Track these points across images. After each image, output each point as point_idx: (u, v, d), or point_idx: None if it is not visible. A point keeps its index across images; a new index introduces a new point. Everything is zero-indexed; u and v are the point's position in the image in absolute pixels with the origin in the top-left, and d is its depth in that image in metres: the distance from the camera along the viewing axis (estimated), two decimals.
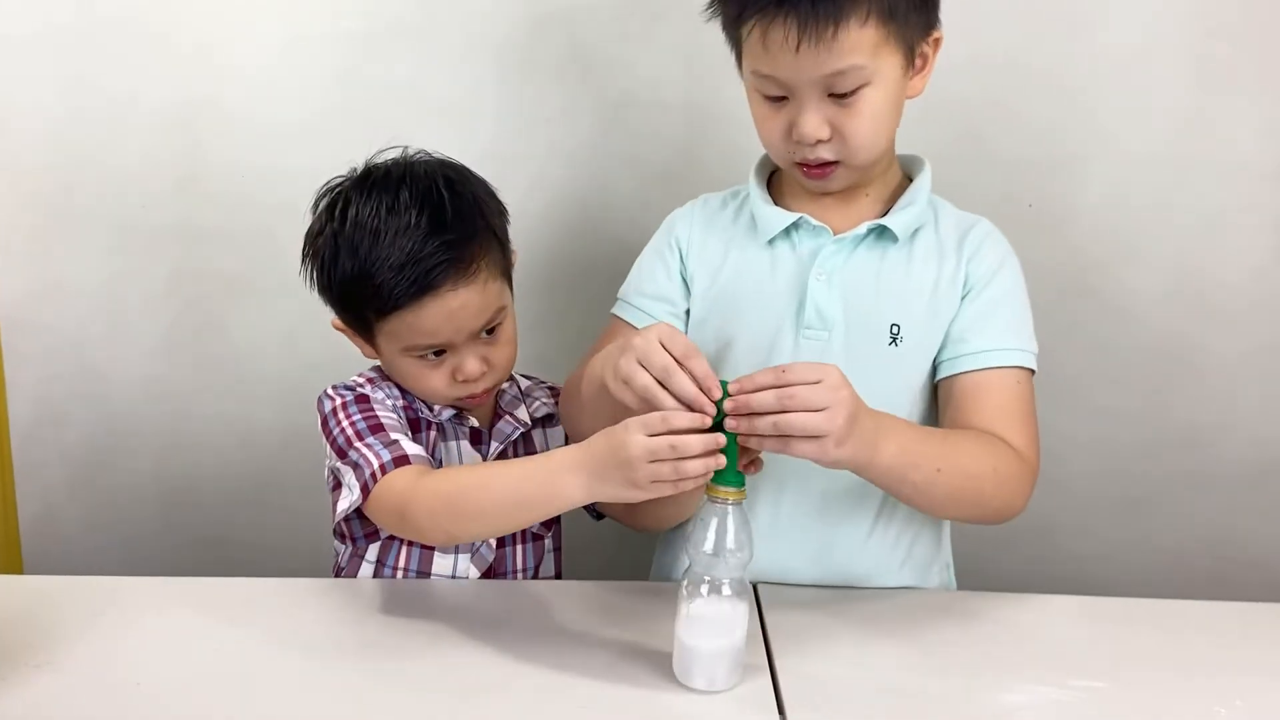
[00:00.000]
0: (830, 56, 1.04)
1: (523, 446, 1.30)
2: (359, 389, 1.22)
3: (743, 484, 0.94)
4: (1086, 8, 1.53)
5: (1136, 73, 1.54)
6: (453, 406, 1.24)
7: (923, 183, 1.19)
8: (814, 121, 1.08)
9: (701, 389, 0.93)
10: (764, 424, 0.92)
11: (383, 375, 1.25)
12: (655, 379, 0.93)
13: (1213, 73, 1.54)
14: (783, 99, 1.10)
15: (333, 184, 1.21)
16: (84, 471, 1.74)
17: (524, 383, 1.35)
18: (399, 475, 1.09)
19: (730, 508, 0.93)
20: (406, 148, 1.22)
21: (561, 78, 1.59)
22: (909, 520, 1.21)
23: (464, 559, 1.23)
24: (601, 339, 1.25)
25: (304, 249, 1.20)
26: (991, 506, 1.11)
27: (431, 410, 1.24)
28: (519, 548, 1.27)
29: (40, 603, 1.11)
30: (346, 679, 0.99)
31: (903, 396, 1.16)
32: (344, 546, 1.27)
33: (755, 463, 1.00)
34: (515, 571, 1.27)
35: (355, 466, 1.12)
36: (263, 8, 1.57)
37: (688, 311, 1.24)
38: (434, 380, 1.19)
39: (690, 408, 0.92)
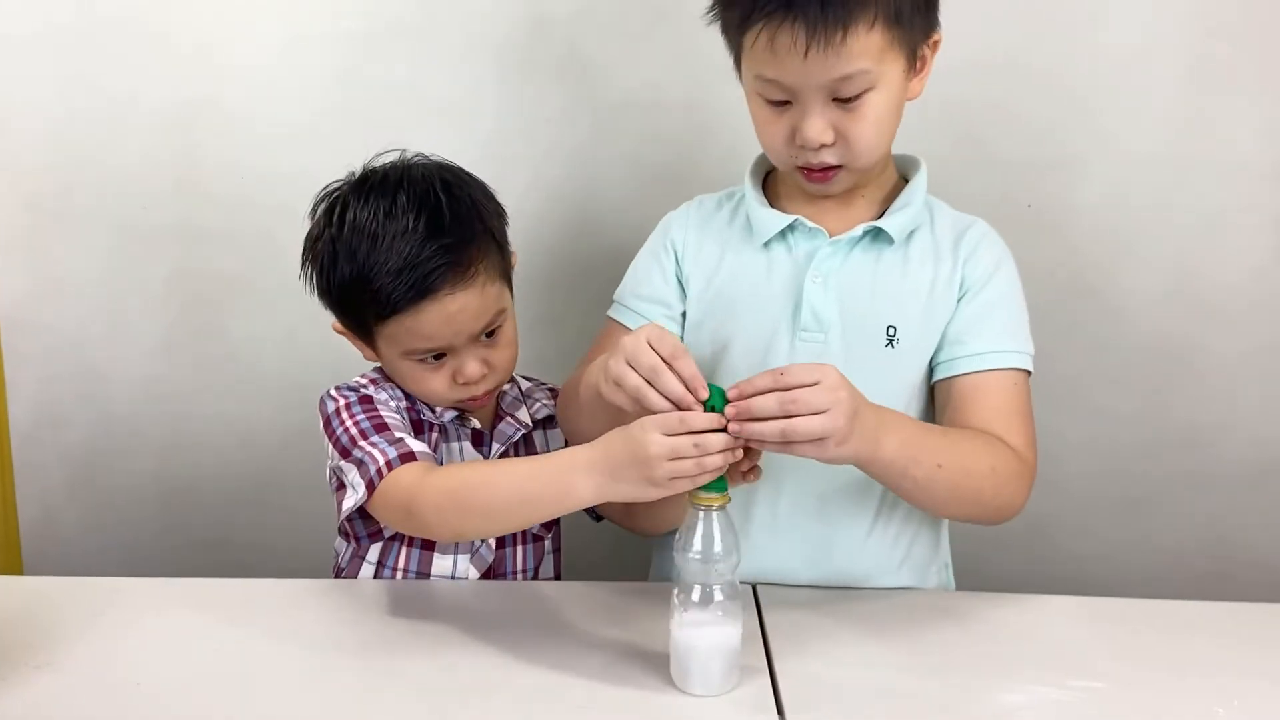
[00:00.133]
0: (838, 61, 1.03)
1: (524, 448, 1.31)
2: (362, 390, 1.22)
3: (725, 488, 0.94)
4: (1085, 8, 1.53)
5: (1136, 73, 1.54)
6: (454, 408, 1.24)
7: (918, 184, 1.19)
8: (818, 126, 1.08)
9: (688, 389, 0.93)
10: (770, 431, 0.92)
11: (385, 376, 1.25)
12: (644, 379, 0.94)
13: (1212, 73, 1.54)
14: (785, 103, 1.09)
15: (331, 188, 1.21)
16: (84, 472, 1.74)
17: (524, 384, 1.35)
18: (405, 471, 1.09)
19: (715, 513, 0.93)
20: (404, 151, 1.22)
21: (561, 78, 1.59)
22: (907, 520, 1.21)
23: (463, 559, 1.23)
24: (597, 341, 1.25)
25: (303, 253, 1.21)
26: (991, 505, 1.11)
27: (433, 412, 1.24)
28: (519, 549, 1.27)
29: (40, 603, 1.11)
30: (346, 679, 0.99)
31: (899, 398, 1.15)
32: (346, 546, 1.27)
33: (754, 471, 1.01)
34: (515, 573, 1.27)
35: (360, 464, 1.12)
36: (262, 8, 1.58)
37: (684, 314, 1.24)
38: (434, 383, 1.19)
39: (677, 407, 0.93)
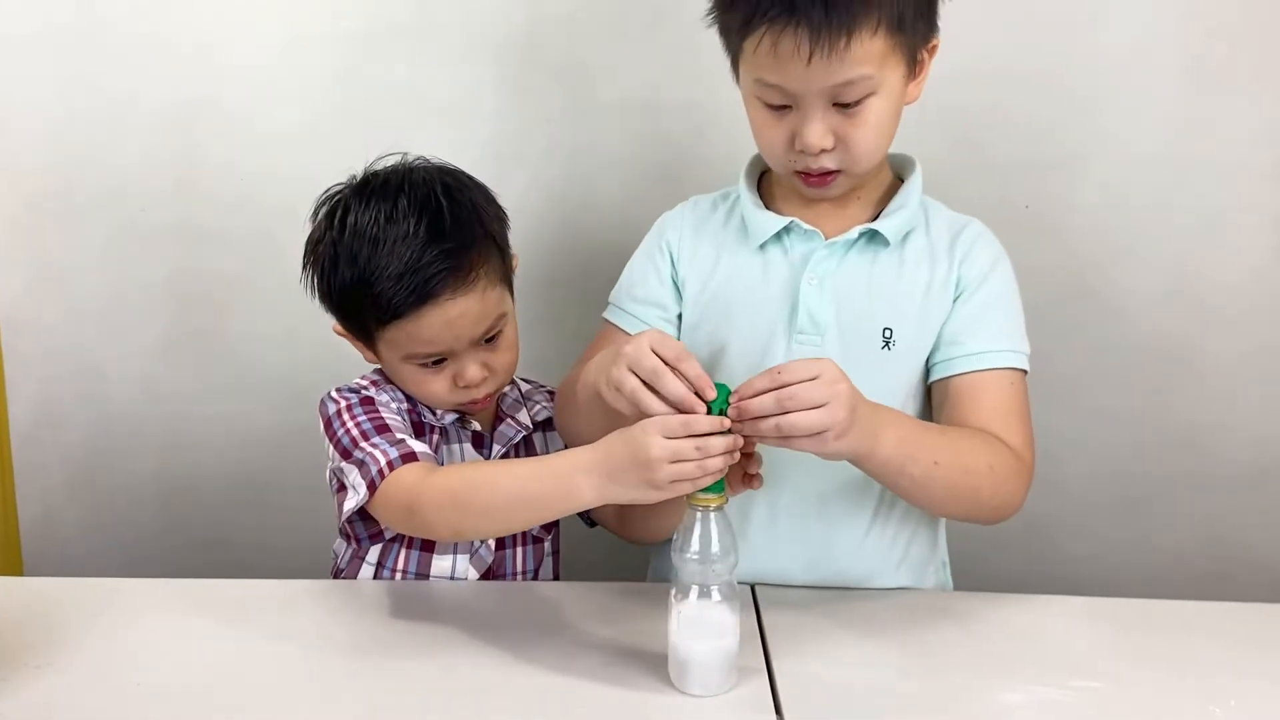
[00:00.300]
0: (841, 67, 1.03)
1: (524, 450, 1.31)
2: (363, 391, 1.22)
3: (722, 489, 0.94)
4: (1084, 9, 1.53)
5: (1134, 74, 1.55)
6: (454, 411, 1.24)
7: (914, 184, 1.19)
8: (818, 131, 1.07)
9: (696, 389, 0.93)
10: (766, 426, 0.93)
11: (385, 378, 1.25)
12: (644, 383, 0.94)
13: (1210, 73, 1.54)
14: (785, 107, 1.09)
15: (332, 191, 1.21)
16: (83, 472, 1.74)
17: (524, 386, 1.35)
18: (407, 471, 1.09)
19: (712, 514, 0.94)
20: (406, 154, 1.22)
21: (560, 79, 1.59)
22: (905, 520, 1.21)
23: (463, 560, 1.23)
24: (593, 343, 1.25)
25: (304, 256, 1.21)
26: (989, 504, 1.11)
27: (434, 414, 1.24)
28: (519, 550, 1.27)
29: (40, 604, 1.11)
30: (345, 679, 0.99)
31: (896, 400, 1.15)
32: (346, 547, 1.27)
33: (756, 478, 1.01)
34: (514, 574, 1.27)
35: (361, 465, 1.12)
36: (262, 9, 1.58)
37: (679, 316, 1.24)
38: (435, 386, 1.19)
39: (678, 409, 0.93)
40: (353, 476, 1.13)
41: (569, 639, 1.06)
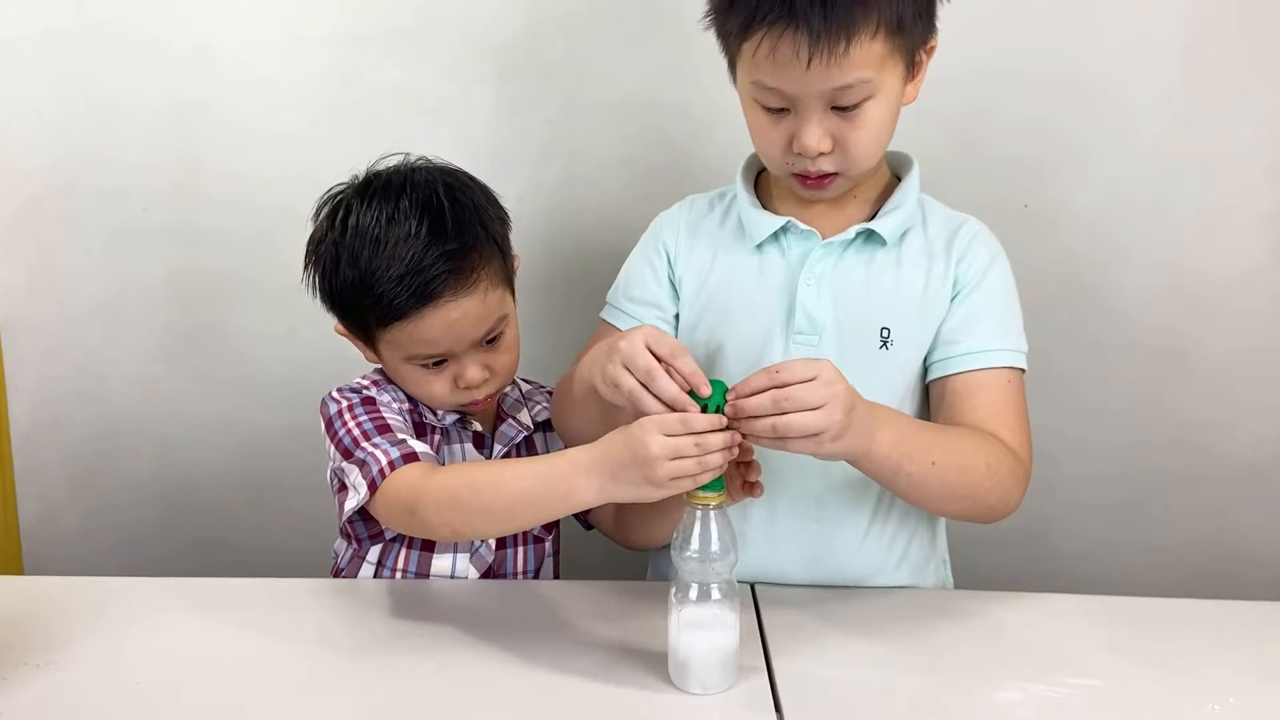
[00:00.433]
0: (840, 71, 1.03)
1: (525, 450, 1.31)
2: (364, 391, 1.22)
3: (722, 487, 0.94)
4: (1080, 8, 1.53)
5: (1132, 72, 1.55)
6: (455, 412, 1.25)
7: (911, 183, 1.19)
8: (816, 134, 1.07)
9: (690, 386, 0.93)
10: (762, 427, 0.93)
11: (386, 378, 1.25)
12: (639, 382, 0.94)
13: (1208, 72, 1.54)
14: (783, 110, 1.09)
15: (335, 191, 1.21)
16: (83, 472, 1.74)
17: (525, 386, 1.35)
18: (407, 471, 1.09)
19: (712, 512, 0.94)
20: (408, 154, 1.22)
21: (559, 79, 1.59)
22: (904, 520, 1.21)
23: (463, 559, 1.24)
24: (590, 344, 1.25)
25: (306, 256, 1.21)
26: (986, 502, 1.10)
27: (435, 415, 1.24)
28: (520, 550, 1.28)
29: (40, 602, 1.11)
30: (345, 678, 0.99)
31: (894, 399, 1.15)
32: (346, 547, 1.27)
33: (756, 486, 1.02)
34: (515, 574, 1.27)
35: (362, 465, 1.12)
36: (262, 11, 1.58)
37: (676, 316, 1.24)
38: (436, 387, 1.20)
39: (672, 408, 0.93)
40: (353, 476, 1.13)
41: (569, 638, 1.06)
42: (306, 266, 1.21)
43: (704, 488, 0.93)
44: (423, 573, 1.23)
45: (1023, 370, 1.17)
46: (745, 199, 1.21)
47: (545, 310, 1.62)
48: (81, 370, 1.70)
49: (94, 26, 1.58)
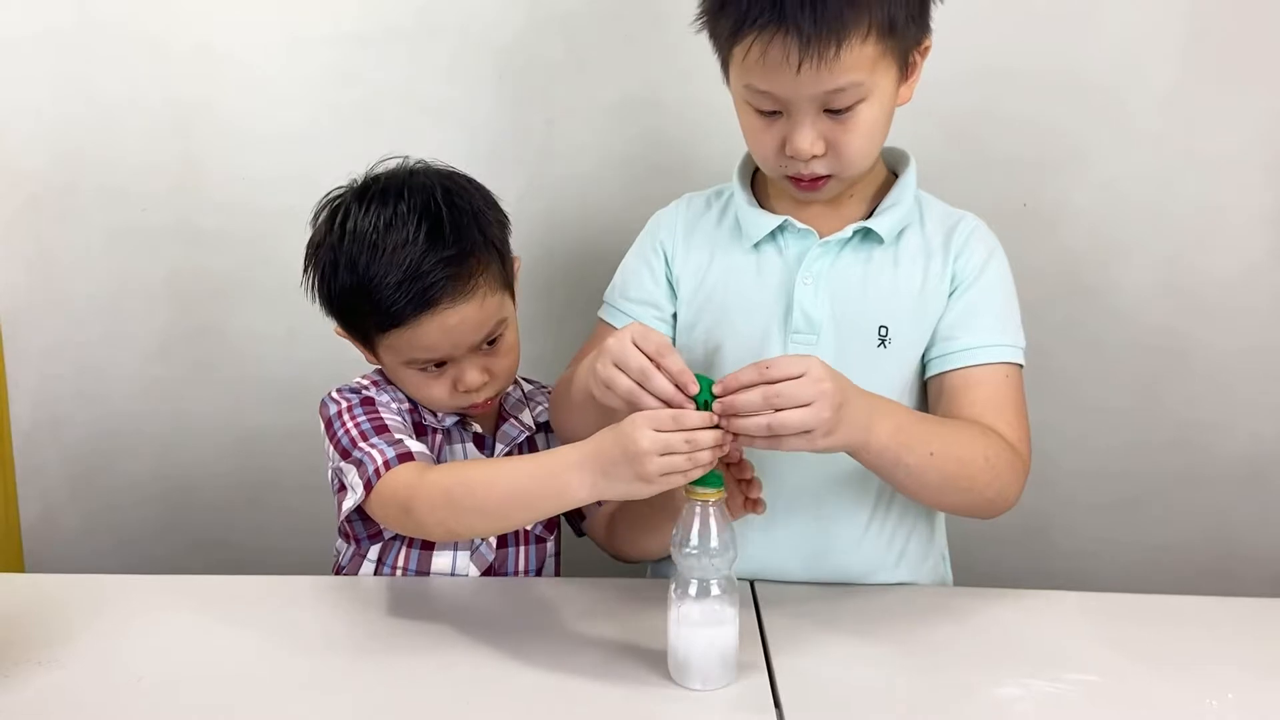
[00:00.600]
0: (831, 74, 1.02)
1: (527, 450, 1.30)
2: (364, 391, 1.22)
3: (721, 483, 0.95)
4: (1080, 7, 1.54)
5: (1130, 71, 1.55)
6: (456, 414, 1.25)
7: (908, 180, 1.19)
8: (809, 137, 1.07)
9: (677, 384, 0.93)
10: (753, 425, 0.93)
11: (386, 379, 1.25)
12: (635, 382, 0.94)
13: (1206, 71, 1.54)
14: (775, 113, 1.08)
15: (333, 195, 1.21)
16: (84, 471, 1.74)
17: (527, 386, 1.35)
18: (403, 470, 1.09)
19: (711, 507, 0.94)
20: (407, 157, 1.22)
21: (559, 79, 1.59)
22: (903, 517, 1.21)
23: (463, 556, 1.24)
24: (588, 343, 1.25)
25: (305, 260, 1.21)
26: (984, 495, 1.10)
27: (435, 416, 1.25)
28: (521, 549, 1.28)
29: (42, 600, 1.12)
30: (345, 675, 0.99)
31: (892, 397, 1.13)
32: (348, 546, 1.27)
33: (759, 503, 1.02)
34: (517, 574, 1.27)
35: (359, 464, 1.12)
36: (262, 11, 1.58)
37: (674, 315, 1.24)
38: (435, 390, 1.20)
39: (668, 406, 0.93)
40: (351, 476, 1.13)
41: (568, 635, 1.07)
42: (306, 270, 1.21)
43: (703, 483, 0.93)
44: (423, 570, 1.23)
45: (1021, 365, 1.17)
46: (742, 198, 1.21)
47: (545, 310, 1.62)
48: (82, 370, 1.70)
49: (94, 26, 1.59)
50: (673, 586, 0.96)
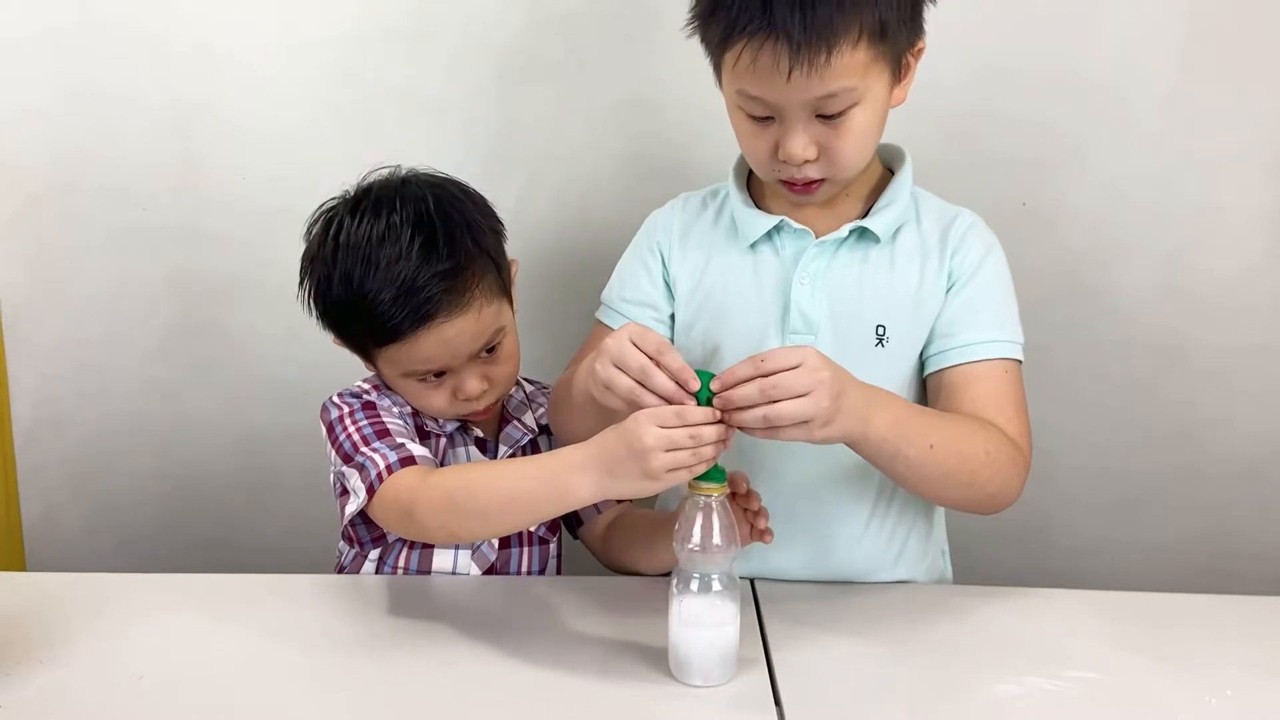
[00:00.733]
0: (821, 81, 1.01)
1: (530, 453, 1.30)
2: (365, 396, 1.22)
3: (724, 478, 0.95)
4: (1079, 7, 1.54)
5: (1130, 71, 1.55)
6: (457, 420, 1.25)
7: (903, 178, 1.19)
8: (801, 143, 1.06)
9: (678, 382, 0.93)
10: (752, 417, 0.93)
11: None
12: (635, 381, 0.94)
13: (1205, 70, 1.54)
14: (768, 118, 1.08)
15: (326, 207, 1.20)
16: (85, 471, 1.75)
17: (528, 388, 1.35)
18: (405, 474, 1.09)
19: (714, 503, 0.94)
20: (398, 166, 1.21)
21: (559, 79, 1.59)
22: (903, 515, 1.21)
23: (464, 556, 1.24)
24: (585, 344, 1.25)
25: (300, 273, 1.20)
26: (986, 490, 1.09)
27: (437, 422, 1.24)
28: (525, 550, 1.27)
29: (43, 598, 1.12)
30: (346, 673, 0.99)
31: None
32: (350, 550, 1.27)
33: (766, 532, 1.03)
34: (520, 575, 1.27)
35: (361, 469, 1.12)
36: (262, 11, 1.58)
37: (672, 316, 1.24)
38: (436, 400, 1.20)
39: (670, 404, 0.93)
40: (353, 480, 1.13)
41: (570, 631, 1.07)
42: (301, 284, 1.20)
43: (705, 478, 0.93)
44: (424, 570, 1.23)
45: (1020, 360, 1.17)
46: (738, 198, 1.21)
47: (545, 311, 1.62)
48: (83, 369, 1.71)
49: (94, 26, 1.59)
50: (674, 582, 0.96)
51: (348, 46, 1.59)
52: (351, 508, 1.13)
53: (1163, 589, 1.19)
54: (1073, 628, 1.09)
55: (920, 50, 1.11)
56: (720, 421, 0.93)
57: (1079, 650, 1.04)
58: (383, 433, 1.16)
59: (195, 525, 1.76)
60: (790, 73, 1.00)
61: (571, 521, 1.31)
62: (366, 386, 1.24)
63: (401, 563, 1.24)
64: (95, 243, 1.66)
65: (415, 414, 1.24)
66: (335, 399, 1.22)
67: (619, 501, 1.28)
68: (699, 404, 0.94)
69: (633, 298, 1.24)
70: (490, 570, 1.25)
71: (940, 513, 1.28)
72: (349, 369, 1.28)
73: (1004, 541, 1.62)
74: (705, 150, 1.58)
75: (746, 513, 1.05)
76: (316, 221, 1.20)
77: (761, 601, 1.13)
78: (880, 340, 1.16)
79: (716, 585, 0.95)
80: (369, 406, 1.20)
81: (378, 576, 1.23)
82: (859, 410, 0.98)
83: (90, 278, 1.68)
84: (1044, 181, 1.59)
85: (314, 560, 1.38)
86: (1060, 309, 1.61)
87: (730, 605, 0.95)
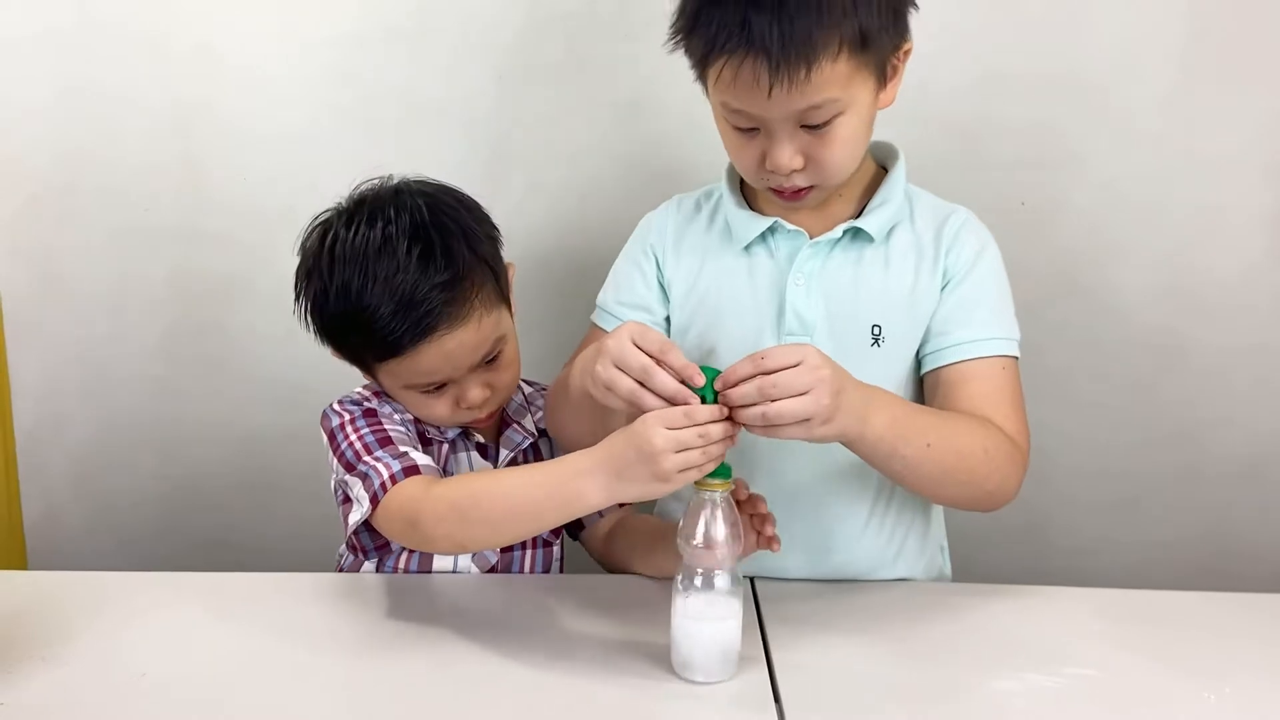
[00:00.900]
0: (803, 95, 1.01)
1: (531, 456, 1.30)
2: (366, 403, 1.21)
3: (729, 475, 0.95)
4: (1078, 8, 1.54)
5: (1128, 71, 1.55)
6: (458, 427, 1.25)
7: (897, 177, 1.18)
8: (787, 153, 1.06)
9: (682, 379, 0.93)
10: (751, 415, 0.93)
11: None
12: (636, 381, 0.94)
13: (1204, 71, 1.55)
14: (754, 129, 1.08)
15: (320, 219, 1.19)
16: (86, 471, 1.75)
17: (528, 389, 1.35)
18: (409, 484, 1.08)
19: (719, 498, 0.94)
20: (390, 176, 1.21)
21: (559, 79, 1.59)
22: (902, 513, 1.21)
23: (464, 559, 1.23)
24: (581, 347, 1.25)
25: (295, 287, 1.19)
26: (984, 488, 1.10)
27: (438, 430, 1.24)
28: (528, 553, 1.27)
29: (45, 597, 1.12)
30: (347, 672, 1.00)
31: None
32: (353, 558, 1.27)
33: (773, 540, 1.03)
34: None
35: (364, 478, 1.11)
36: (262, 11, 1.59)
37: (667, 319, 1.24)
38: (438, 409, 1.19)
39: (673, 403, 0.93)
40: (357, 490, 1.12)
41: (572, 629, 1.07)
42: (297, 298, 1.19)
43: (711, 475, 0.93)
44: (425, 570, 1.23)
45: (1016, 358, 1.16)
46: (731, 201, 1.21)
47: (545, 311, 1.62)
48: (84, 369, 1.71)
49: (94, 26, 1.59)
50: (678, 578, 0.96)
51: (348, 46, 1.59)
52: (355, 517, 1.12)
53: (1161, 588, 1.19)
54: (1072, 625, 1.09)
55: (908, 51, 1.10)
56: (727, 419, 0.93)
57: (1078, 648, 1.04)
58: (385, 441, 1.15)
59: (196, 525, 1.76)
60: (771, 89, 1.00)
61: (573, 525, 1.31)
62: (367, 393, 1.23)
63: (402, 565, 1.23)
64: (96, 243, 1.66)
65: (416, 421, 1.23)
66: (335, 406, 1.21)
67: (620, 505, 1.28)
68: (703, 401, 0.93)
69: (628, 300, 1.24)
70: (492, 570, 1.24)
71: (939, 509, 1.28)
72: (350, 370, 1.28)
73: (1003, 541, 1.62)
74: (705, 151, 1.56)
75: (753, 518, 1.04)
76: (310, 234, 1.19)
77: (761, 600, 1.14)
78: (876, 340, 1.16)
79: (720, 582, 0.95)
80: (370, 414, 1.19)
81: (378, 576, 1.23)
82: (858, 409, 0.98)
83: (91, 277, 1.68)
84: (1043, 182, 1.59)
85: (314, 560, 1.38)
86: (1060, 309, 1.61)
87: (734, 602, 0.95)
